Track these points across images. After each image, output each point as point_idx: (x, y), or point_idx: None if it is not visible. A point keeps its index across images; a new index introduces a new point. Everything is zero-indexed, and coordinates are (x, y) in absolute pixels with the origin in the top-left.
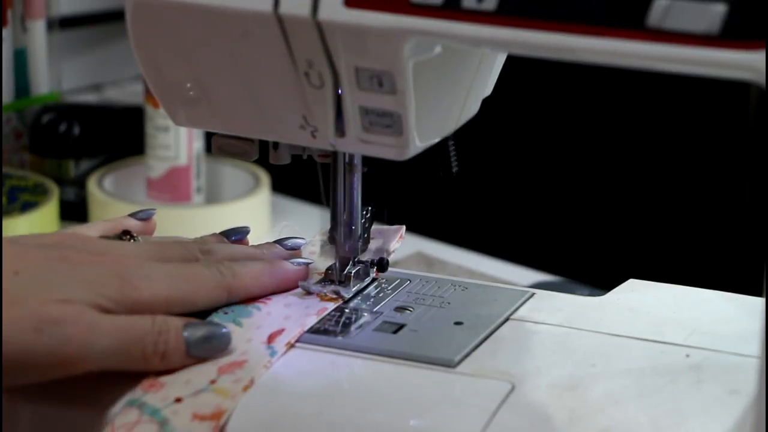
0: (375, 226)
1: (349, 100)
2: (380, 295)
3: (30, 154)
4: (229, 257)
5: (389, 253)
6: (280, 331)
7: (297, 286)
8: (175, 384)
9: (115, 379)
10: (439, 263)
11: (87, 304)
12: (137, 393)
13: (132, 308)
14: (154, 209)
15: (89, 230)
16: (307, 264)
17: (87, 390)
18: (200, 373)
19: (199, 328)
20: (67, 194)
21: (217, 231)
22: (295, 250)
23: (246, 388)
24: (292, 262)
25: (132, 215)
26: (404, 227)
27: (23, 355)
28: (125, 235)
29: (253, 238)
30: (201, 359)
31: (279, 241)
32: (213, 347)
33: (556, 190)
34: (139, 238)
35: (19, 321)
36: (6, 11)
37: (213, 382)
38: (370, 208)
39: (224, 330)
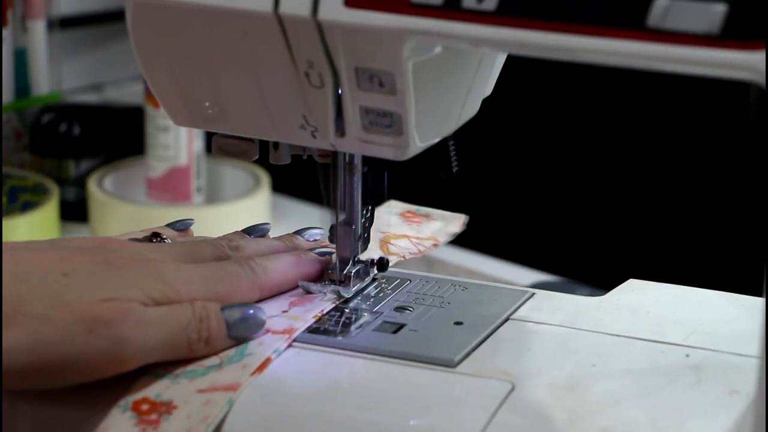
0: (436, 210)
1: (349, 100)
2: (380, 295)
3: (30, 154)
4: (258, 253)
5: (450, 236)
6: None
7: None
8: None
9: (115, 378)
10: (439, 263)
11: (131, 300)
12: None
13: None
14: (192, 219)
15: (125, 236)
16: (331, 254)
17: (86, 390)
18: (273, 306)
19: (235, 310)
20: (68, 194)
21: (221, 232)
22: (316, 241)
23: (317, 318)
24: (316, 253)
25: (170, 225)
26: (466, 217)
27: (77, 357)
28: (155, 237)
29: None
30: (240, 341)
31: (298, 232)
32: (250, 327)
33: (555, 190)
34: (168, 240)
35: (72, 323)
36: (6, 11)
37: (285, 311)
38: (370, 208)
39: (258, 310)
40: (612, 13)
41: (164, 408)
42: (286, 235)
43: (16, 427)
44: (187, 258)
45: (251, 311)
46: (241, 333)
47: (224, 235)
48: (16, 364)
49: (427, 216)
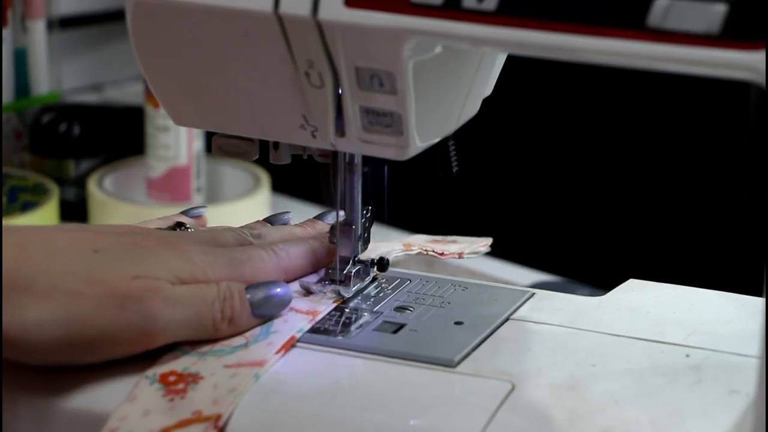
0: (462, 237)
1: (349, 100)
2: (380, 294)
3: (30, 154)
4: (280, 240)
5: (475, 254)
6: None
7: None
8: None
9: (115, 377)
10: (439, 263)
11: (160, 278)
12: None
13: None
14: (204, 207)
15: (147, 224)
16: None
17: (87, 387)
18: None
19: (260, 289)
20: (67, 194)
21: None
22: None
23: (337, 302)
24: None
25: (184, 213)
26: (491, 239)
27: (109, 331)
28: (179, 226)
29: None
30: (266, 319)
31: (318, 217)
32: (275, 305)
33: (556, 190)
34: (191, 228)
35: (104, 298)
36: (6, 11)
37: (306, 295)
38: (370, 207)
39: (282, 288)
40: (612, 13)
41: (191, 378)
42: (306, 220)
43: (17, 426)
44: (212, 244)
45: (276, 290)
46: (265, 311)
47: (246, 224)
48: (51, 338)
49: (453, 241)
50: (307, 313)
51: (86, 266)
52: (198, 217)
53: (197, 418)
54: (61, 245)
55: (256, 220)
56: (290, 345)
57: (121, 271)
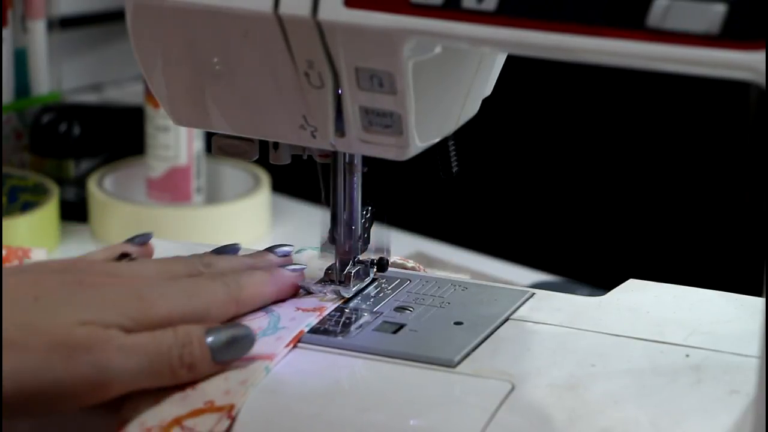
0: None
1: (349, 100)
2: (380, 295)
3: (30, 154)
4: (230, 269)
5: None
6: None
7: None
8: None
9: None
10: (439, 263)
11: (110, 325)
12: None
13: (150, 326)
14: (150, 233)
15: (91, 257)
16: (302, 269)
17: None
18: (282, 311)
19: (222, 333)
20: (68, 194)
21: (221, 231)
22: (286, 257)
23: (344, 300)
24: (288, 269)
25: (128, 241)
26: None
27: (58, 384)
28: (123, 257)
29: (253, 239)
30: (227, 363)
31: (269, 249)
32: (238, 350)
33: (555, 190)
34: (137, 258)
35: (50, 350)
36: (6, 11)
37: (307, 295)
38: (370, 208)
39: (246, 331)
40: (612, 13)
41: None
42: (256, 252)
43: (16, 428)
44: (160, 275)
45: (239, 333)
46: (228, 356)
47: (196, 254)
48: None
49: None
50: (314, 309)
51: (28, 316)
52: (143, 244)
53: (209, 408)
54: (1, 291)
55: (204, 252)
56: (298, 339)
57: (66, 318)
